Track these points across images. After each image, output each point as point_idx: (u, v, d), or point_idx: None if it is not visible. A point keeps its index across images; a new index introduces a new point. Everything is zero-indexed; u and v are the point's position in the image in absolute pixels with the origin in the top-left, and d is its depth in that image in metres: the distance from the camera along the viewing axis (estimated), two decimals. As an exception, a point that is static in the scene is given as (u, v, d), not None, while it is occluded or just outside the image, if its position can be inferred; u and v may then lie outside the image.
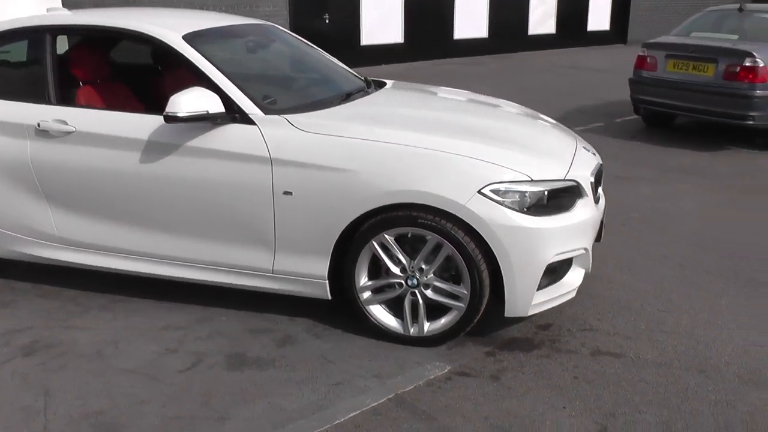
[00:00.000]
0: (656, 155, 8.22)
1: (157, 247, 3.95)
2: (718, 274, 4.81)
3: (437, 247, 3.56)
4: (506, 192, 3.48)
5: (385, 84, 4.89)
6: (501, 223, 3.42)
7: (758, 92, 7.90)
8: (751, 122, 8.02)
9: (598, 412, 3.23)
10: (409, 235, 3.61)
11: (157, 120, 3.77)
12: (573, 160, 3.87)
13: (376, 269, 3.78)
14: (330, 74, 4.80)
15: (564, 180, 3.66)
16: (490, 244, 3.46)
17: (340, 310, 4.06)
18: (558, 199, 3.61)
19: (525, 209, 3.48)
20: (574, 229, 3.65)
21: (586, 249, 3.78)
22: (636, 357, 3.71)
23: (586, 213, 3.74)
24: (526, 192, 3.51)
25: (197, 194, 3.75)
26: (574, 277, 3.83)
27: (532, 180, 3.54)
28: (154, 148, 3.79)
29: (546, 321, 4.06)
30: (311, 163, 3.56)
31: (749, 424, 3.17)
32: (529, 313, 3.63)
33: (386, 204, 3.50)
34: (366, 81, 4.95)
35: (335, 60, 5.16)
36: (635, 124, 9.98)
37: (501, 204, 3.45)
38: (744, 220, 5.93)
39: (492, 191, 3.46)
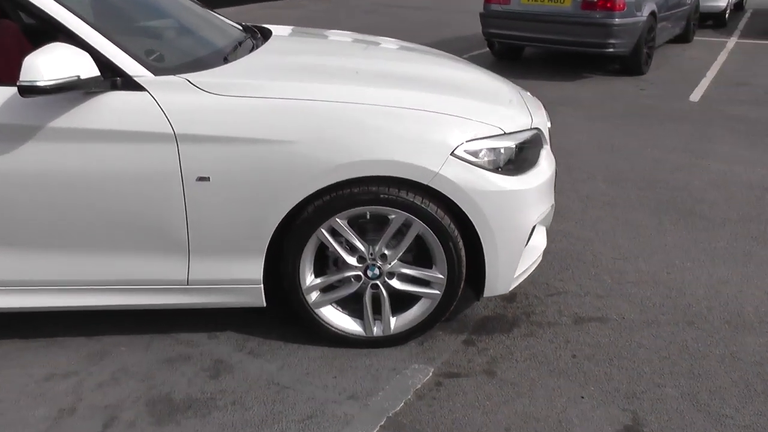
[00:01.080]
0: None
1: (25, 270, 2.84)
2: (647, 209, 4.52)
3: (403, 227, 2.85)
4: (481, 151, 2.81)
5: (270, 31, 3.97)
6: (480, 188, 2.76)
7: (617, 20, 7.82)
8: (611, 50, 7.95)
9: (618, 396, 2.74)
10: (368, 216, 2.87)
11: (5, 93, 2.68)
12: (527, 105, 3.28)
13: (323, 262, 3.01)
14: (207, 22, 3.79)
15: (531, 129, 3.06)
16: (468, 215, 2.80)
17: (271, 313, 3.25)
18: (525, 152, 3.01)
19: (500, 169, 2.85)
20: (547, 185, 3.08)
21: (552, 205, 3.24)
22: (620, 318, 3.27)
23: (551, 165, 3.19)
24: (501, 148, 2.87)
25: (75, 194, 2.70)
26: (540, 239, 3.29)
27: (504, 133, 2.90)
28: (5, 135, 2.67)
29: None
30: (232, 136, 2.66)
31: (763, 376, 2.84)
32: (510, 289, 3.05)
33: (338, 181, 2.72)
34: (247, 28, 4.01)
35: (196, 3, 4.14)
36: (485, 59, 9.69)
37: (478, 165, 2.79)
38: (641, 147, 5.75)
39: (467, 152, 2.78)
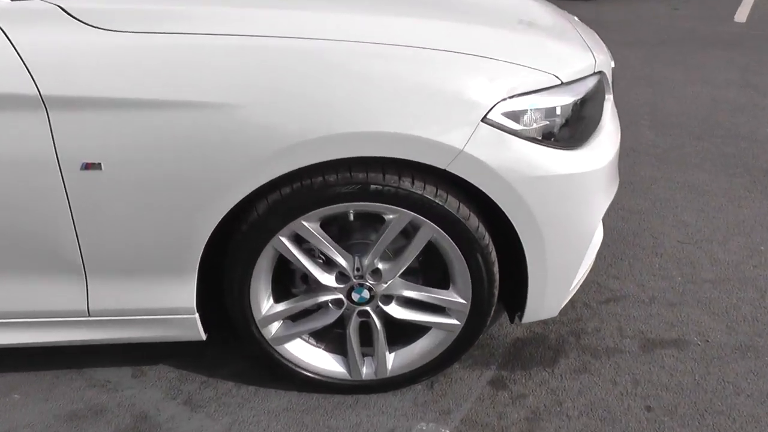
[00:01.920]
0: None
1: None
2: (710, 166, 3.53)
3: (408, 231, 1.88)
4: (526, 113, 1.80)
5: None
6: (526, 172, 1.77)
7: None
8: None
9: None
10: (350, 216, 1.88)
11: None
12: (582, 36, 2.24)
13: (286, 277, 2.05)
14: None
15: (594, 75, 2.03)
16: (507, 214, 1.82)
17: (221, 338, 2.31)
18: (585, 108, 2.00)
19: (553, 139, 1.85)
20: (616, 159, 2.09)
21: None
22: (703, 341, 2.33)
23: (617, 126, 2.18)
24: (557, 107, 1.85)
25: None
26: (598, 234, 2.32)
27: (561, 83, 1.88)
28: None
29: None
30: (132, 98, 1.63)
31: None
32: (560, 310, 2.11)
33: (303, 166, 1.73)
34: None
35: None
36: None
37: (522, 136, 1.78)
38: (687, 81, 4.70)
39: (506, 114, 1.77)
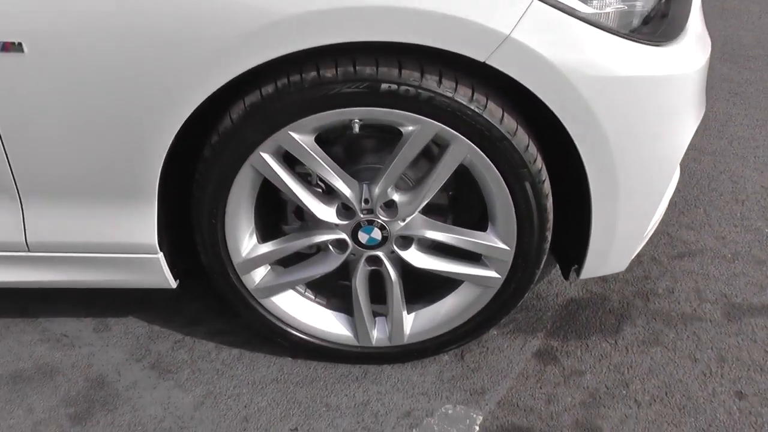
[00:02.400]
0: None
1: None
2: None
3: (432, 149, 1.41)
4: (599, -12, 1.30)
5: None
6: (597, 71, 1.25)
7: None
8: None
9: None
10: (356, 127, 1.41)
11: None
12: None
13: (273, 211, 1.60)
14: None
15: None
16: (568, 127, 1.32)
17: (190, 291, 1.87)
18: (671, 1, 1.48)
19: (633, 31, 1.34)
20: (706, 67, 1.57)
21: None
22: (809, 308, 1.83)
23: (704, 27, 1.66)
24: (639, -17, 1.34)
25: None
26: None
27: (646, -51, 1.36)
28: None
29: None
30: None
31: None
32: (627, 264, 1.62)
33: (291, 52, 1.25)
34: None
35: None
36: None
37: (590, 22, 1.27)
38: (763, 12, 4.07)
39: (571, -12, 1.27)
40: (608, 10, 1.29)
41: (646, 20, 1.37)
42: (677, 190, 2.29)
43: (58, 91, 1.27)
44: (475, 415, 1.52)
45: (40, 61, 1.25)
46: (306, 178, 1.44)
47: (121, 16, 1.21)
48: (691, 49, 1.44)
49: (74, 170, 1.37)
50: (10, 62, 1.25)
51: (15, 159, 1.36)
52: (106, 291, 1.88)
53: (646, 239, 1.68)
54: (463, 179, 1.45)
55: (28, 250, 1.50)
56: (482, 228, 1.46)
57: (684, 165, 2.45)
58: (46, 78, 1.26)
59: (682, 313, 1.80)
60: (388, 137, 1.45)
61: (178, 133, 1.31)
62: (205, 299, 1.85)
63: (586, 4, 1.26)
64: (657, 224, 1.73)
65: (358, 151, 1.48)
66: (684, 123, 1.43)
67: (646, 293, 1.86)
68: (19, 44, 1.23)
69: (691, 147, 2.53)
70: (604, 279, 1.91)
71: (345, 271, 1.55)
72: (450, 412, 1.54)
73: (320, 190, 1.46)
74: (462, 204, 1.56)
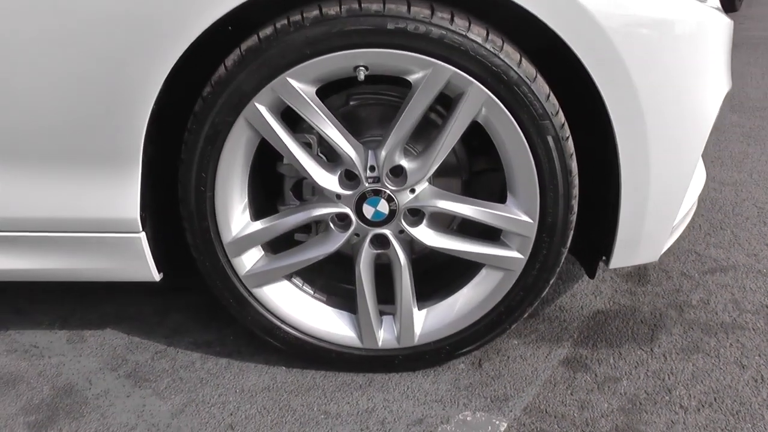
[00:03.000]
0: None
1: None
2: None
3: (442, 103, 1.28)
4: None
5: None
6: (624, 10, 1.16)
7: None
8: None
9: None
10: (361, 75, 1.26)
11: None
12: None
13: (269, 188, 1.44)
14: None
15: None
16: (595, 77, 1.17)
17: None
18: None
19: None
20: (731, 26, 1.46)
21: None
22: None
23: None
24: None
25: None
26: (699, 172, 1.66)
27: None
28: None
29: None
30: None
31: None
32: (663, 251, 1.45)
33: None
34: None
35: None
36: None
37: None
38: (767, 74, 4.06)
39: None
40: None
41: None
42: (700, 214, 2.15)
43: (35, 25, 1.15)
44: (498, 422, 1.30)
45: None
46: (306, 134, 1.30)
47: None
48: (719, 8, 1.34)
49: (49, 123, 1.22)
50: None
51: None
52: (84, 303, 1.70)
53: (678, 233, 1.52)
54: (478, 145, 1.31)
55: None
56: (500, 200, 1.30)
57: (705, 195, 2.32)
58: (21, 9, 1.14)
59: (721, 322, 1.60)
60: (395, 102, 1.32)
61: (165, 99, 1.18)
62: (190, 311, 1.65)
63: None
64: (687, 218, 1.57)
65: (361, 123, 1.34)
66: (715, 81, 1.30)
67: (680, 305, 1.67)
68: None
69: (711, 179, 2.43)
70: (632, 292, 1.72)
71: (347, 272, 1.37)
72: (469, 419, 1.31)
73: (321, 152, 1.31)
74: (477, 180, 1.41)
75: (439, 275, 1.44)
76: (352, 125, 1.32)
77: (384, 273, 1.38)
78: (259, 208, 1.37)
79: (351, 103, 1.35)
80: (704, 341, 1.53)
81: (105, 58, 1.16)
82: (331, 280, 1.47)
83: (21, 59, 1.17)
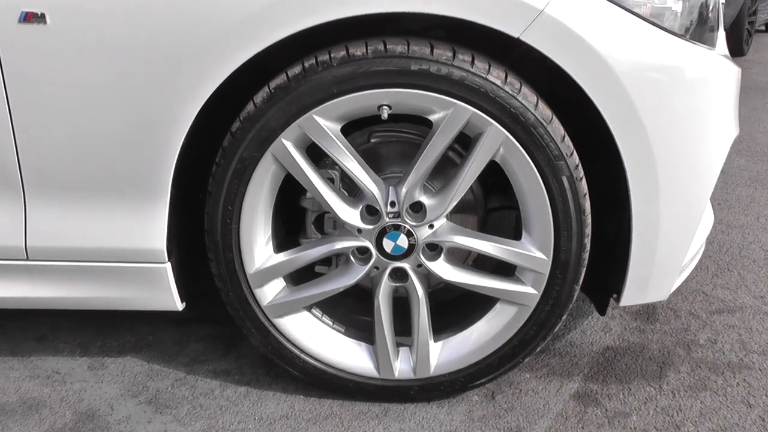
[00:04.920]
0: None
1: None
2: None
3: (460, 141, 1.29)
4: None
5: None
6: (638, 58, 1.16)
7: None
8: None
9: None
10: (384, 113, 1.28)
11: None
12: None
13: (291, 220, 1.45)
14: None
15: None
16: (608, 119, 1.19)
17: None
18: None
19: (673, 24, 1.26)
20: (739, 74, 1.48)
21: None
22: None
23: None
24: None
25: None
26: (707, 213, 1.66)
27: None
28: None
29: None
30: None
31: None
32: (673, 290, 1.44)
33: (322, 23, 1.15)
34: None
35: None
36: None
37: (625, 7, 1.20)
38: None
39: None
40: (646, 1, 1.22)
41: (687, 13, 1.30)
42: (708, 255, 2.14)
43: (77, 68, 1.18)
44: (513, 457, 1.29)
45: (63, 34, 1.16)
46: (328, 169, 1.31)
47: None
48: (727, 56, 1.37)
49: (85, 162, 1.25)
50: (32, 34, 1.17)
51: (24, 144, 1.24)
52: (105, 332, 1.69)
53: (686, 273, 1.52)
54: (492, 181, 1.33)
55: (27, 258, 1.34)
56: (515, 237, 1.31)
57: (713, 236, 2.32)
58: (66, 52, 1.17)
59: (728, 361, 1.58)
60: (416, 141, 1.34)
61: (193, 134, 1.21)
62: (208, 341, 1.65)
63: (621, -12, 1.20)
64: (696, 259, 1.57)
65: (382, 160, 1.36)
66: (723, 126, 1.32)
67: (687, 343, 1.66)
68: (42, 15, 1.16)
69: (718, 221, 2.44)
70: (640, 330, 1.71)
71: (365, 305, 1.37)
72: (485, 453, 1.30)
73: (343, 186, 1.33)
74: (492, 223, 1.42)
75: (454, 308, 1.44)
76: (373, 161, 1.34)
77: (400, 305, 1.38)
78: (282, 241, 1.38)
79: (373, 140, 1.37)
80: (711, 380, 1.51)
81: (137, 98, 1.18)
82: (350, 312, 1.47)
83: (59, 101, 1.20)
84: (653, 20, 1.21)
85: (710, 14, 1.32)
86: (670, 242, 1.31)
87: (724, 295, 1.89)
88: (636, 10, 1.20)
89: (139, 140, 1.22)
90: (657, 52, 1.19)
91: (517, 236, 1.30)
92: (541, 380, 1.51)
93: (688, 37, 1.25)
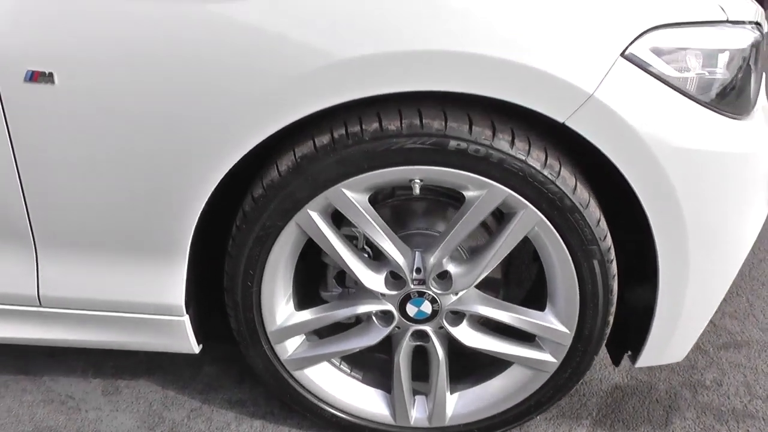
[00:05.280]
0: None
1: None
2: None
3: (494, 217, 1.25)
4: (683, 52, 1.15)
5: None
6: (679, 140, 1.11)
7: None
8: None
9: None
10: (416, 188, 1.24)
11: None
12: None
13: (310, 271, 1.41)
14: None
15: (755, 24, 1.36)
16: (643, 200, 1.16)
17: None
18: (746, 68, 1.33)
19: (713, 97, 1.20)
20: None
21: None
22: None
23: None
24: (720, 52, 1.19)
25: None
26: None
27: (728, 20, 1.24)
28: None
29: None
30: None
31: None
32: (685, 355, 1.44)
33: (355, 99, 1.09)
34: None
35: None
36: None
37: (673, 86, 1.13)
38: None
39: (655, 51, 1.11)
40: (689, 74, 1.15)
41: (720, 92, 1.24)
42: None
43: (89, 130, 1.11)
44: None
45: (73, 93, 1.09)
46: (351, 241, 1.28)
47: (165, 45, 1.06)
48: (765, 126, 1.31)
49: (98, 220, 1.20)
50: (39, 93, 1.09)
51: (34, 201, 1.19)
52: (116, 351, 1.68)
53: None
54: (517, 249, 1.29)
55: (40, 305, 1.31)
56: (538, 305, 1.29)
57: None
58: (76, 113, 1.10)
59: (732, 408, 1.60)
60: (443, 200, 1.29)
61: (214, 197, 1.15)
62: (223, 363, 1.65)
63: (669, 66, 1.12)
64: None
65: (408, 214, 1.32)
66: (759, 204, 1.27)
67: (694, 384, 1.67)
68: (50, 74, 1.08)
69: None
70: (648, 366, 1.72)
71: (383, 343, 1.36)
72: None
73: (367, 254, 1.29)
74: (514, 277, 1.39)
75: (472, 360, 1.42)
76: (397, 216, 1.29)
77: (417, 351, 1.37)
78: (303, 292, 1.35)
79: (397, 196, 1.31)
80: (715, 429, 1.53)
81: (153, 166, 1.13)
82: (367, 350, 1.45)
83: (68, 161, 1.14)
84: (696, 96, 1.14)
85: (753, 86, 1.25)
86: (694, 311, 1.29)
87: (732, 326, 1.89)
88: (681, 86, 1.13)
89: (154, 206, 1.16)
90: (698, 131, 1.13)
91: (540, 303, 1.28)
92: (551, 422, 1.52)
93: (729, 111, 1.19)
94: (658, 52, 1.10)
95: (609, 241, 1.19)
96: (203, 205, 1.16)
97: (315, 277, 1.38)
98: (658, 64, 1.10)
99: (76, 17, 1.06)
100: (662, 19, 1.10)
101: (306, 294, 1.37)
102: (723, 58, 1.17)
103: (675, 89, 1.12)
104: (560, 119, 1.07)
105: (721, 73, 1.18)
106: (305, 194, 1.15)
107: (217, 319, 1.38)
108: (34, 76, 1.08)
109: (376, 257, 1.29)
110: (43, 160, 1.15)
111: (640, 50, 1.09)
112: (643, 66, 1.09)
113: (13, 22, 1.06)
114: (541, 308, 1.28)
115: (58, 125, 1.11)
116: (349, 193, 1.15)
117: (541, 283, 1.29)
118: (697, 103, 1.14)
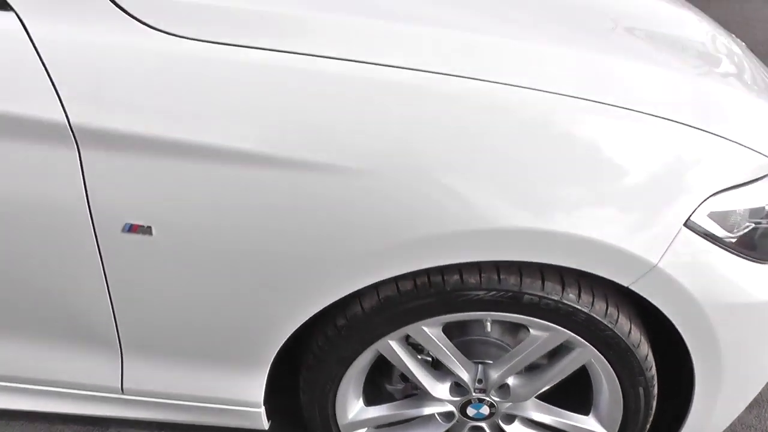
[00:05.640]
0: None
1: None
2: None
3: (556, 351, 1.33)
4: (734, 213, 1.24)
5: None
6: (725, 296, 1.21)
7: None
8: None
9: None
10: (488, 326, 1.35)
11: None
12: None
13: (379, 372, 1.52)
14: None
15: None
16: (690, 347, 1.26)
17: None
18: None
19: (755, 248, 1.30)
20: None
21: None
22: None
23: None
24: (766, 204, 1.30)
25: None
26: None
27: (773, 170, 1.32)
28: None
29: None
30: (204, 143, 1.08)
31: None
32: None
33: (441, 265, 1.18)
34: None
35: None
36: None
37: (724, 246, 1.23)
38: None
39: (713, 216, 1.21)
40: (737, 232, 1.25)
41: (761, 242, 1.32)
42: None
43: (184, 276, 1.20)
44: None
45: (170, 246, 1.16)
46: (418, 349, 1.39)
47: (268, 213, 1.12)
48: None
49: (189, 340, 1.30)
50: (136, 244, 1.16)
51: (123, 325, 1.27)
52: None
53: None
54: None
55: (122, 394, 1.42)
56: (581, 409, 1.43)
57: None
58: (172, 263, 1.18)
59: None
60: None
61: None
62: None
63: (723, 228, 1.22)
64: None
65: (475, 347, 1.41)
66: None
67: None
68: (148, 227, 1.15)
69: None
70: None
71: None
72: None
73: (429, 359, 1.41)
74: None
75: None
76: (466, 348, 1.38)
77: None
78: (369, 379, 1.47)
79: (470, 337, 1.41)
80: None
81: (261, 310, 1.22)
82: None
83: (161, 298, 1.23)
84: (742, 251, 1.24)
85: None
86: (722, 415, 1.44)
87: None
88: (731, 246, 1.22)
89: (247, 332, 1.26)
90: (744, 285, 1.23)
91: (584, 407, 1.42)
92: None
93: (756, 258, 1.27)
94: (713, 217, 1.19)
95: (653, 370, 1.32)
96: (289, 335, 1.26)
97: (381, 369, 1.50)
98: (713, 228, 1.19)
99: (178, 176, 1.10)
100: (721, 184, 1.18)
101: (372, 381, 1.49)
102: (767, 210, 1.26)
103: (726, 249, 1.22)
104: (625, 284, 1.18)
105: (765, 223, 1.28)
106: (387, 329, 1.25)
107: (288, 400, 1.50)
108: (133, 228, 1.14)
109: (437, 365, 1.41)
110: (137, 298, 1.23)
111: (700, 218, 1.18)
112: (702, 232, 1.18)
113: (113, 179, 1.12)
114: (585, 413, 1.42)
115: (154, 271, 1.19)
116: (427, 330, 1.26)
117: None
118: (743, 257, 1.24)
